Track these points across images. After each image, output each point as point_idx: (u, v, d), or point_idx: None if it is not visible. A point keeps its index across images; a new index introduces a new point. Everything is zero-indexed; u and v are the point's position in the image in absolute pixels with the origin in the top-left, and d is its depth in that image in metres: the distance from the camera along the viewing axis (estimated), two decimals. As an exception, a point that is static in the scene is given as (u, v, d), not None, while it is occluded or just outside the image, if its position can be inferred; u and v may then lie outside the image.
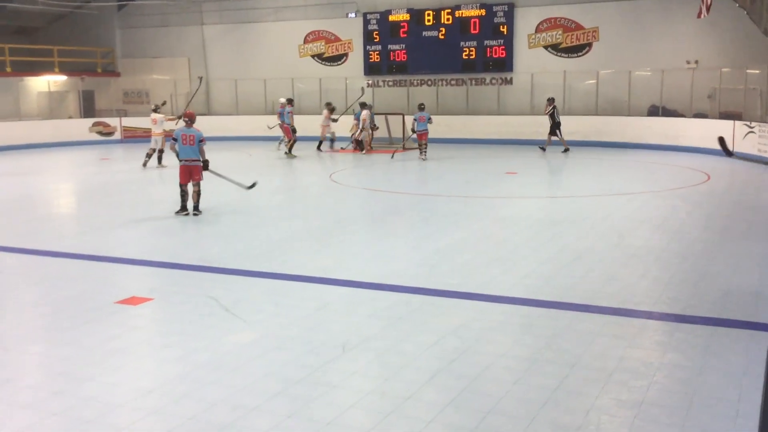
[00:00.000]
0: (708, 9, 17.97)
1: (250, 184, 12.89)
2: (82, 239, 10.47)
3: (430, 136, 20.30)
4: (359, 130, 22.07)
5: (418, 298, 7.14)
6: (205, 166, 11.78)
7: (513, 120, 24.08)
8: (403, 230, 11.01)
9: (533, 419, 4.52)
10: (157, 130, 18.73)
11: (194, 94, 22.51)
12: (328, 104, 22.90)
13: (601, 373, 5.22)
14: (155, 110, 19.00)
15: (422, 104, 20.69)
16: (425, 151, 20.13)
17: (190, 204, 11.75)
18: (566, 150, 21.11)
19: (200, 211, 11.74)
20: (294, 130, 21.33)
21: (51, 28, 30.44)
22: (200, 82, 22.87)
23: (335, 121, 22.65)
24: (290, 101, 21.91)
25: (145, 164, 18.82)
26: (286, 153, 21.28)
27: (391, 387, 5.03)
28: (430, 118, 20.06)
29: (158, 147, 18.79)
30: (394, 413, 4.63)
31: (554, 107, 21.18)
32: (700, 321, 6.34)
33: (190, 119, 11.86)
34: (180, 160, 11.80)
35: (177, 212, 11.76)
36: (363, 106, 22.43)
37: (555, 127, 21.13)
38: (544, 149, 21.32)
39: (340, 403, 4.81)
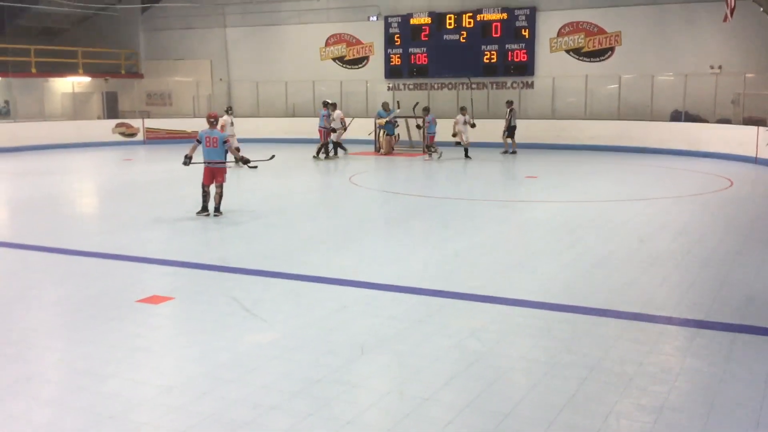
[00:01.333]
0: (732, 12, 17.81)
1: (269, 157, 13.57)
2: (105, 238, 10.58)
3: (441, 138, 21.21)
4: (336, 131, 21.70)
5: (437, 300, 7.14)
6: (245, 161, 12.18)
7: (534, 124, 23.98)
8: (423, 233, 11.01)
9: (551, 423, 4.51)
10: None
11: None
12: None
13: (621, 377, 5.19)
14: (227, 111, 19.70)
15: (427, 107, 21.57)
16: (440, 152, 20.81)
17: (211, 205, 11.83)
18: (514, 152, 22.14)
19: (221, 212, 11.81)
20: (334, 131, 21.29)
21: (75, 30, 30.79)
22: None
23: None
24: (325, 104, 21.42)
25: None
26: (314, 156, 21.12)
27: (409, 388, 5.04)
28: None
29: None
30: (412, 414, 4.64)
31: (511, 110, 21.96)
32: (721, 327, 6.29)
33: (215, 120, 11.89)
34: (203, 162, 11.85)
35: (198, 213, 11.83)
36: (332, 106, 21.83)
37: (509, 130, 22.03)
38: (507, 152, 22.32)
39: (359, 403, 4.83)
